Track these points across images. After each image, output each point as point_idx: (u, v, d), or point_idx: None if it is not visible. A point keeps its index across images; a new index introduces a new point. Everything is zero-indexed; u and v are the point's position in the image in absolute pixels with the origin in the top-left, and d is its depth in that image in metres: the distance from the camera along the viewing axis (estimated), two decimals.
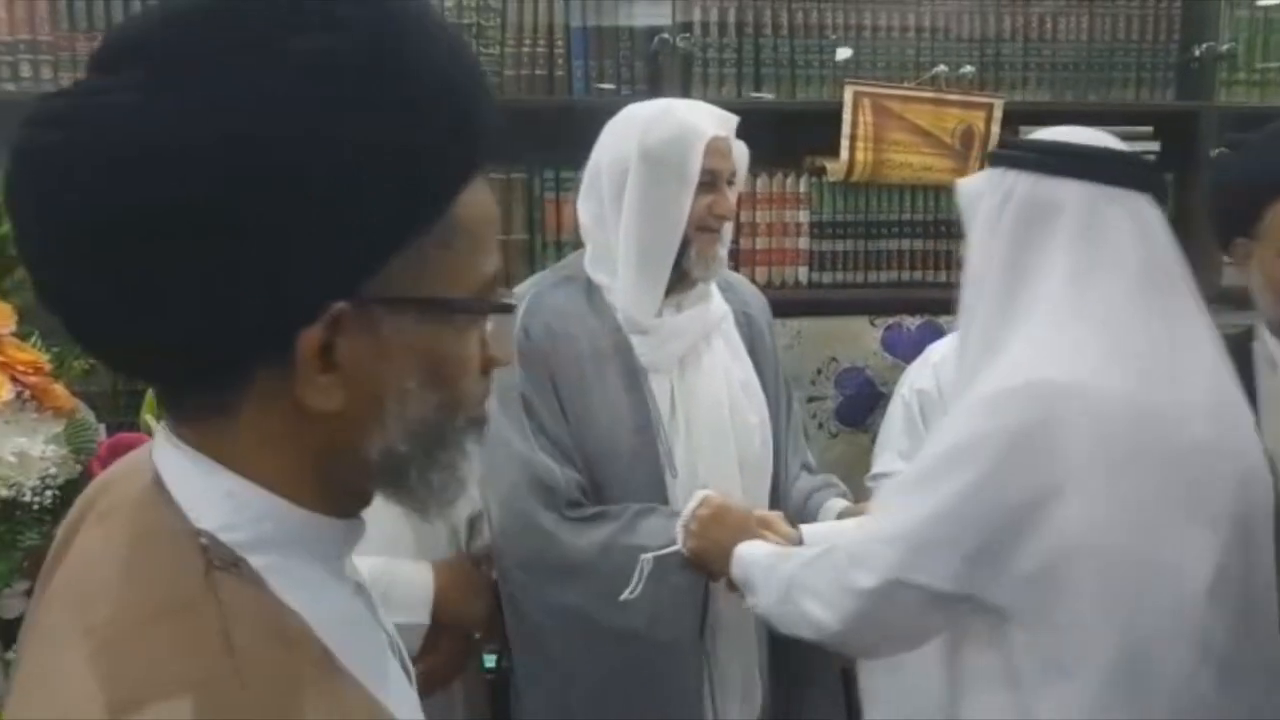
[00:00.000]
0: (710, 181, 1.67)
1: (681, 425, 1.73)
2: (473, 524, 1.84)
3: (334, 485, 0.68)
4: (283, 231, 0.57)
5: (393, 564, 1.63)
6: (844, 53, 2.42)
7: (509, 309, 0.71)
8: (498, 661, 1.94)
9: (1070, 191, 1.25)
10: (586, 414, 1.70)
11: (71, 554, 0.68)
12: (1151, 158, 2.48)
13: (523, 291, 1.79)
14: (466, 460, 0.70)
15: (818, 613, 1.31)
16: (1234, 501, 1.19)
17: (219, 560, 0.62)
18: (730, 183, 1.71)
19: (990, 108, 2.45)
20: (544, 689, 1.74)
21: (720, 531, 1.59)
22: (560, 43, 2.31)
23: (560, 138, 2.13)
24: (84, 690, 0.56)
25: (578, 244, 1.81)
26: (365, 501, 0.72)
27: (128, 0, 2.25)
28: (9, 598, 1.61)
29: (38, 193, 0.60)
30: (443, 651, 1.70)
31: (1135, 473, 1.15)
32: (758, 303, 1.90)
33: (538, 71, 2.31)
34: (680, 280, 1.72)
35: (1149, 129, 2.52)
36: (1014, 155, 1.32)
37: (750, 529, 1.59)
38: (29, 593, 1.67)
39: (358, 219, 0.59)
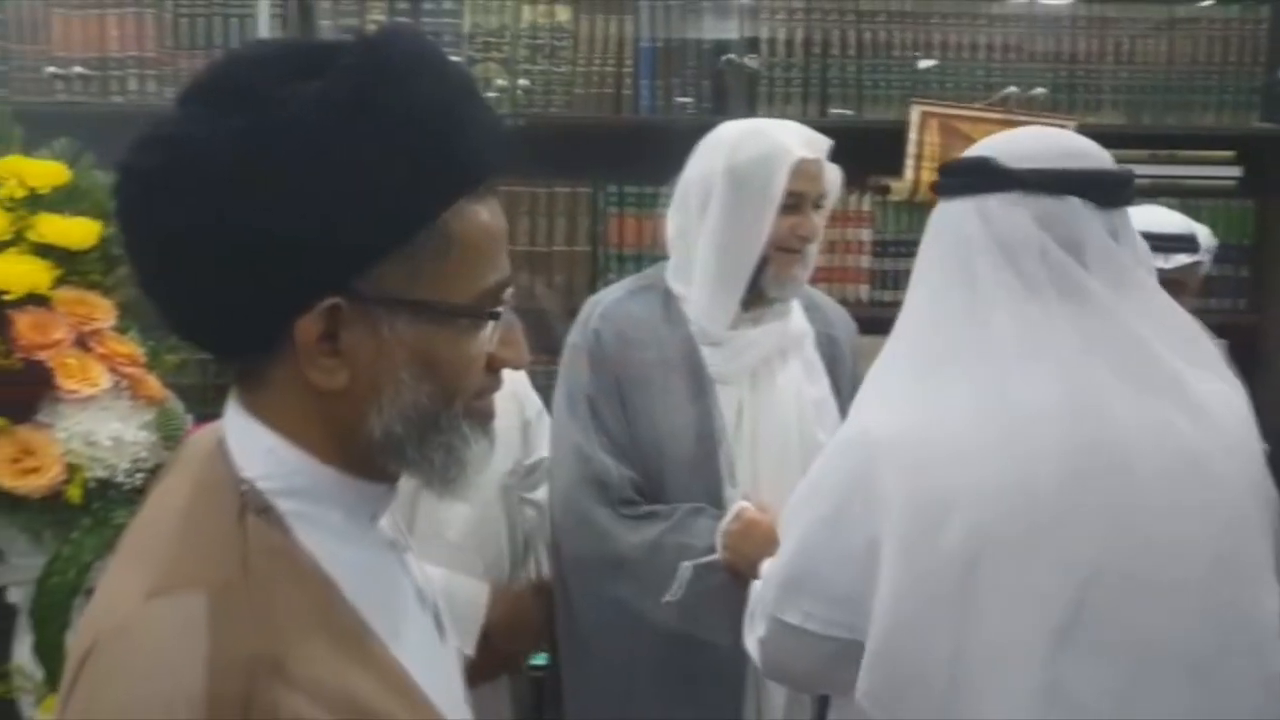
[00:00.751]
0: (795, 204, 1.71)
1: (747, 437, 1.77)
2: (527, 542, 1.92)
3: (353, 453, 0.79)
4: (281, 233, 0.70)
5: (452, 580, 1.70)
6: (926, 62, 2.43)
7: (495, 317, 0.79)
8: (547, 659, 2.00)
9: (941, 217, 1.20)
10: (650, 420, 1.75)
11: (147, 499, 0.82)
12: (1232, 183, 2.46)
13: (601, 298, 1.87)
14: (467, 445, 0.80)
15: (751, 650, 1.28)
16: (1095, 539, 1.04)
17: (253, 505, 0.76)
18: (819, 205, 1.75)
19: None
20: (590, 686, 1.80)
21: (748, 546, 1.61)
22: (629, 62, 2.40)
23: (625, 154, 2.22)
24: (129, 585, 0.72)
25: (640, 257, 1.89)
26: (387, 471, 0.81)
27: (227, 20, 2.40)
28: (99, 571, 1.74)
29: (133, 201, 0.77)
30: (492, 651, 1.78)
31: (946, 523, 1.05)
32: (843, 324, 1.93)
33: (606, 90, 2.40)
34: (758, 297, 1.77)
35: (1230, 154, 2.50)
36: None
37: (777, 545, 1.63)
38: None
39: (341, 228, 0.71)
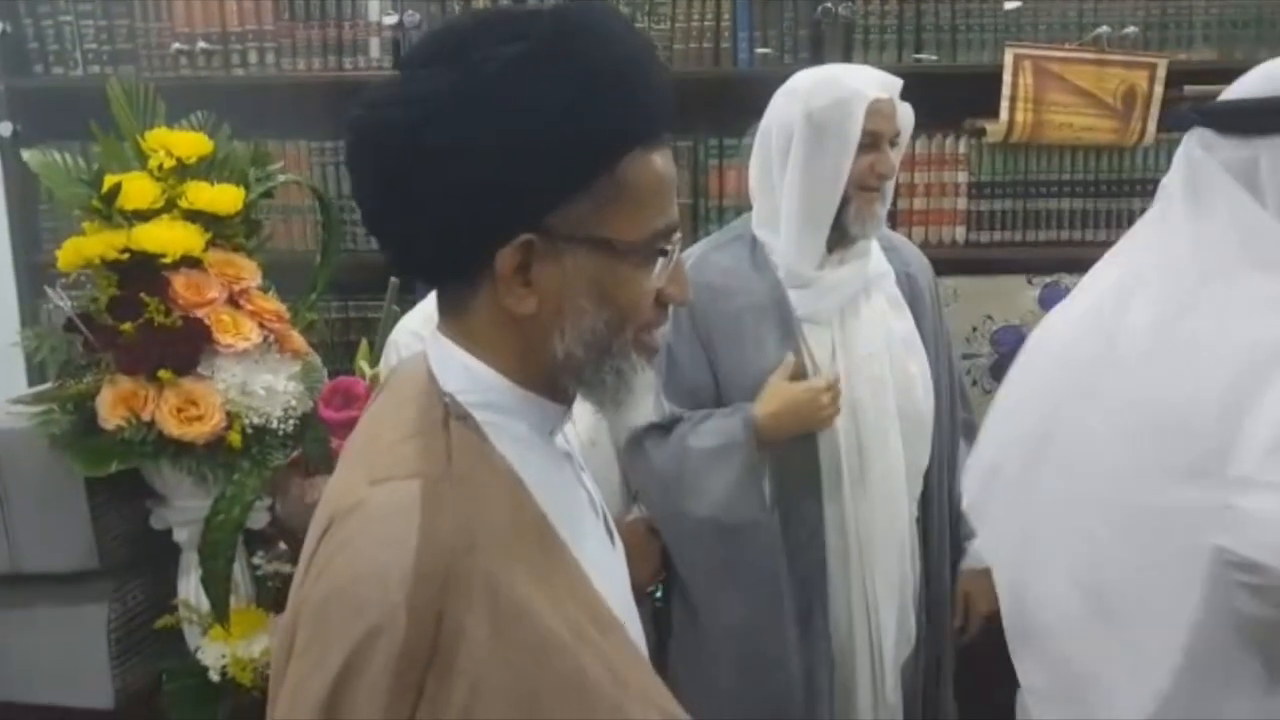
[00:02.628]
0: (872, 143, 1.77)
1: (842, 373, 1.83)
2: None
3: (538, 373, 0.90)
4: (485, 177, 0.81)
5: None
6: (1012, 4, 2.45)
7: (664, 254, 0.88)
8: (662, 593, 2.11)
9: None
10: (740, 366, 1.83)
11: (367, 411, 0.96)
12: None
13: (689, 253, 1.94)
14: (635, 373, 0.91)
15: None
16: None
17: (455, 412, 0.88)
18: (894, 144, 1.80)
19: (1154, 67, 2.45)
20: (687, 616, 1.92)
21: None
22: (726, 17, 2.45)
23: (725, 107, 2.27)
24: (356, 476, 0.85)
25: (739, 208, 1.96)
26: (567, 392, 0.93)
27: None
28: (257, 510, 1.88)
29: (359, 151, 0.87)
30: None
31: None
32: (919, 264, 1.99)
33: (705, 44, 2.46)
34: (841, 237, 1.83)
35: None
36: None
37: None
38: (271, 509, 1.95)
39: (535, 172, 0.82)
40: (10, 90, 2.55)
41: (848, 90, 1.77)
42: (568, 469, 0.98)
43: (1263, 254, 1.15)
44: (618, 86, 0.83)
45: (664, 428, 1.84)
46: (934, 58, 2.48)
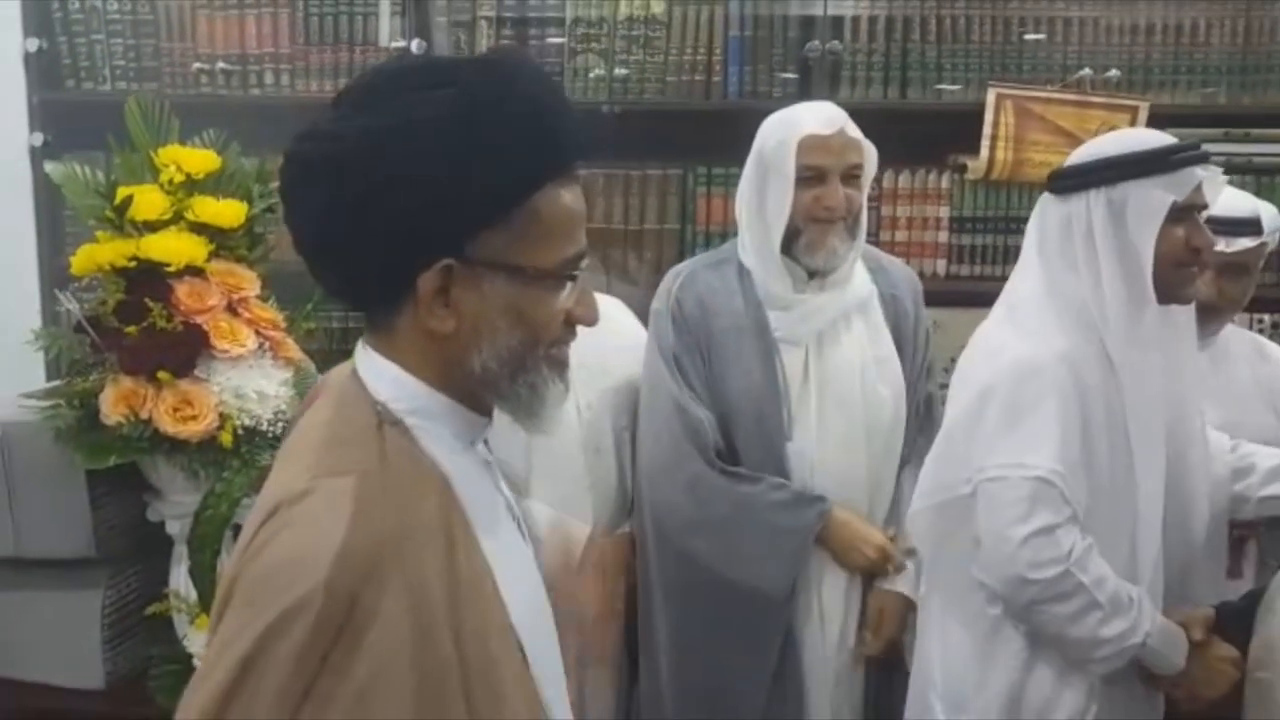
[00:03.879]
0: (815, 176, 1.85)
1: (813, 393, 1.92)
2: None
3: (459, 385, 0.99)
4: (409, 207, 0.89)
5: (555, 517, 1.85)
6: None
7: (573, 279, 0.98)
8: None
9: None
10: (722, 382, 1.93)
11: (298, 421, 1.05)
12: None
13: (680, 270, 2.04)
14: (547, 385, 0.99)
15: None
16: None
17: (387, 419, 0.97)
18: (852, 177, 1.88)
19: (1136, 110, 2.52)
20: (655, 637, 1.99)
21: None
22: (719, 50, 2.55)
23: (714, 138, 2.37)
24: (296, 471, 0.93)
25: (725, 236, 2.07)
26: (485, 404, 1.02)
27: (353, 18, 2.62)
28: (245, 507, 1.98)
29: (294, 181, 0.97)
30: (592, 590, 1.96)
31: None
32: (907, 286, 2.05)
33: (696, 77, 2.56)
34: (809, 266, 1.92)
35: None
36: None
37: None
38: None
39: (454, 204, 0.90)
40: (43, 103, 2.69)
41: (787, 126, 1.88)
42: (487, 474, 1.07)
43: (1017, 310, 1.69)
44: (531, 129, 0.92)
45: (704, 436, 1.92)
46: (917, 97, 2.55)
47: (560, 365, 1.01)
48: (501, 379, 0.97)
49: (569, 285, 0.98)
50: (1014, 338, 1.65)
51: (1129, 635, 1.56)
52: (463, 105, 0.90)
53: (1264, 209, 1.99)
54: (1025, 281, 1.68)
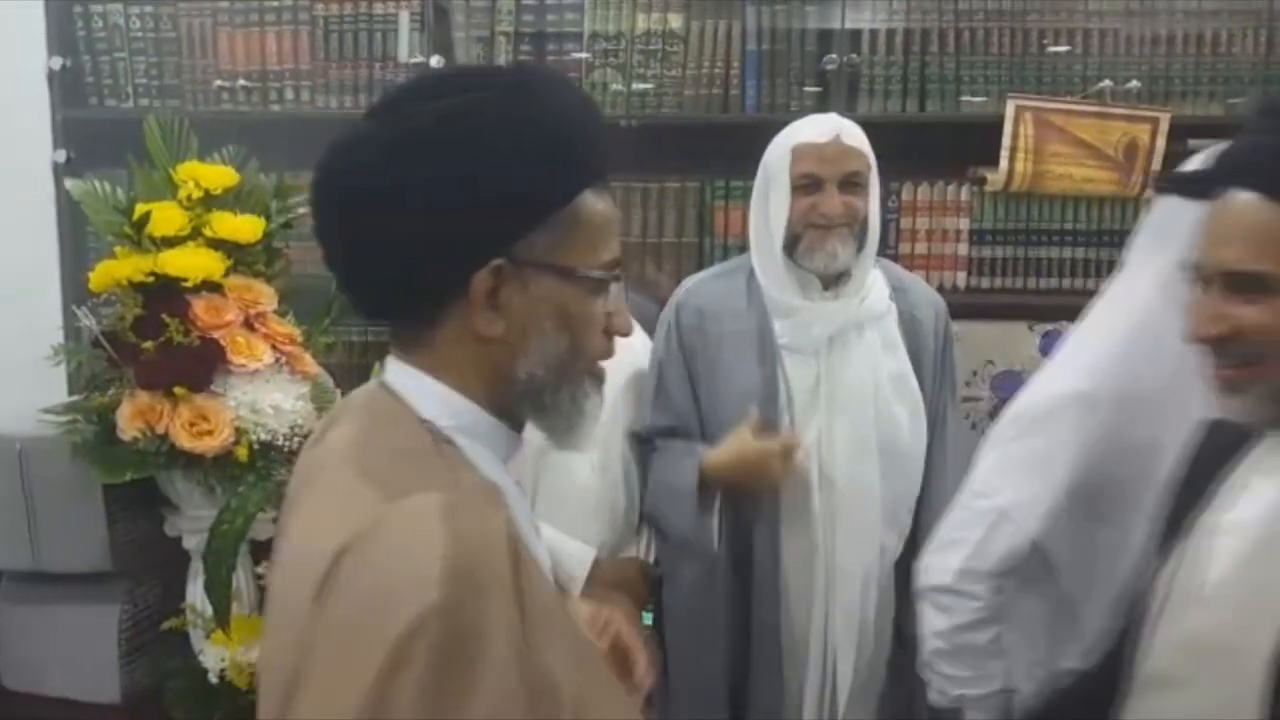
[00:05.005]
0: (810, 184, 1.86)
1: (823, 405, 1.90)
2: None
3: (501, 397, 0.97)
4: (462, 205, 0.89)
5: (562, 541, 1.84)
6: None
7: (617, 279, 0.98)
8: (653, 619, 2.14)
9: None
10: (717, 388, 1.93)
11: (326, 440, 0.99)
12: None
13: (689, 279, 2.06)
14: (587, 398, 0.98)
15: None
16: None
17: (440, 437, 0.94)
18: (853, 185, 1.86)
19: (1156, 121, 2.49)
20: (678, 640, 1.99)
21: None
22: (736, 64, 2.55)
23: (731, 150, 2.36)
24: (362, 494, 0.87)
25: (743, 247, 2.06)
26: (522, 418, 1.00)
27: (372, 34, 2.63)
28: (261, 522, 1.99)
29: (328, 189, 0.94)
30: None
31: None
32: (928, 308, 2.01)
33: (714, 91, 2.55)
34: (835, 275, 1.90)
35: None
36: None
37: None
38: (275, 520, 2.06)
39: (506, 201, 0.90)
40: (66, 120, 2.71)
41: (785, 137, 1.91)
42: (522, 494, 1.05)
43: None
44: (574, 130, 0.94)
45: (647, 441, 1.95)
46: (936, 110, 2.54)
47: (598, 379, 1.00)
48: (546, 387, 0.96)
49: (610, 290, 0.98)
50: None
51: None
52: (511, 105, 0.91)
53: None
54: None
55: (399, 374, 0.97)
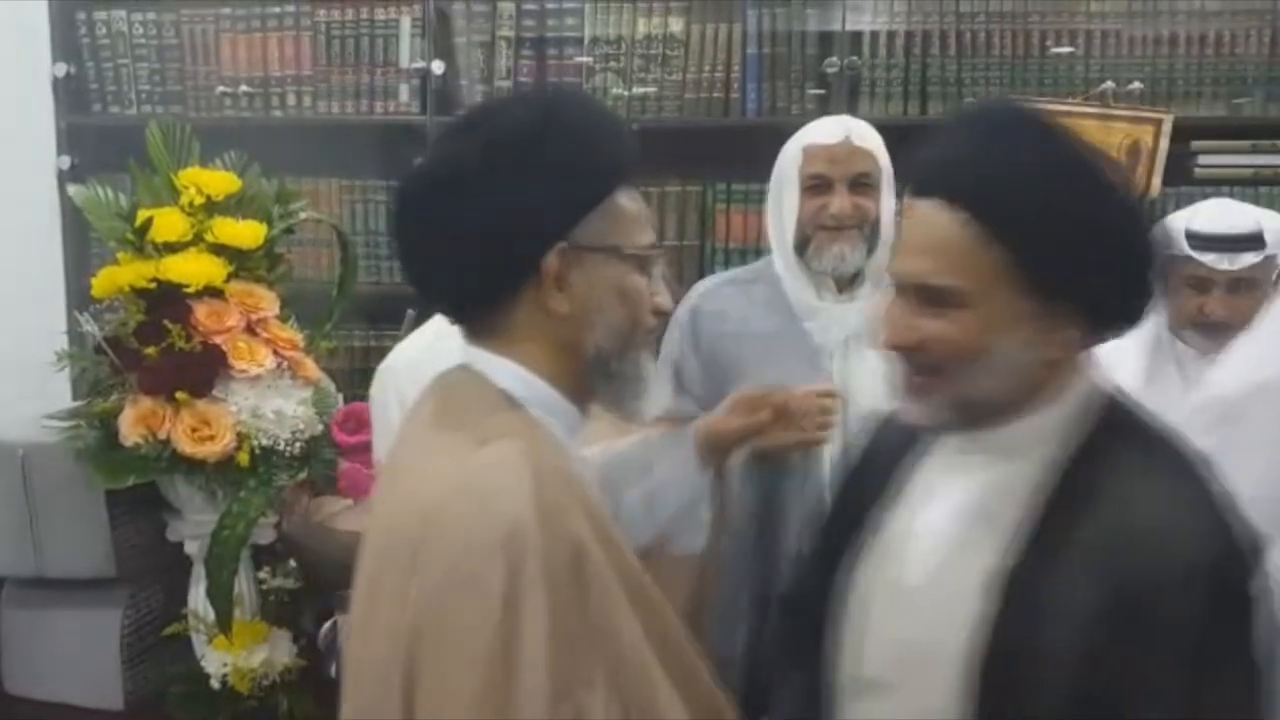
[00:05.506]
0: (819, 185, 1.86)
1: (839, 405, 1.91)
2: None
3: (572, 373, 1.08)
4: (536, 195, 1.02)
5: None
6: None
7: (658, 256, 1.11)
8: None
9: None
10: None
11: (419, 412, 1.11)
12: None
13: (705, 280, 2.07)
14: (645, 369, 1.10)
15: None
16: None
17: (515, 402, 1.05)
18: (864, 185, 1.86)
19: (1160, 122, 2.48)
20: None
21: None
22: (736, 68, 2.55)
23: (732, 154, 2.36)
24: (448, 455, 0.99)
25: (744, 251, 2.06)
26: (592, 391, 1.10)
27: (373, 40, 2.64)
28: (262, 527, 1.99)
29: (420, 195, 1.08)
30: None
31: None
32: None
33: (715, 95, 2.56)
34: (854, 277, 1.90)
35: None
36: None
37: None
38: (278, 526, 2.06)
39: (568, 192, 1.04)
40: (70, 127, 2.72)
41: (796, 138, 1.90)
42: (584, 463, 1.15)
43: None
44: (614, 132, 1.09)
45: None
46: (937, 114, 2.54)
47: (653, 350, 1.12)
48: (614, 356, 1.07)
49: (654, 270, 1.10)
50: None
51: None
52: (563, 113, 1.06)
53: (1268, 222, 1.95)
54: None
55: (475, 356, 1.09)
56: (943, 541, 1.08)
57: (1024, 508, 1.02)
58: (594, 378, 1.08)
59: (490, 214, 1.02)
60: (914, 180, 1.06)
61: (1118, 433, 1.04)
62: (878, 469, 1.20)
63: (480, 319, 1.08)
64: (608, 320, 1.06)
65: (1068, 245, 0.98)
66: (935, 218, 1.01)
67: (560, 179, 1.02)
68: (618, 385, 1.09)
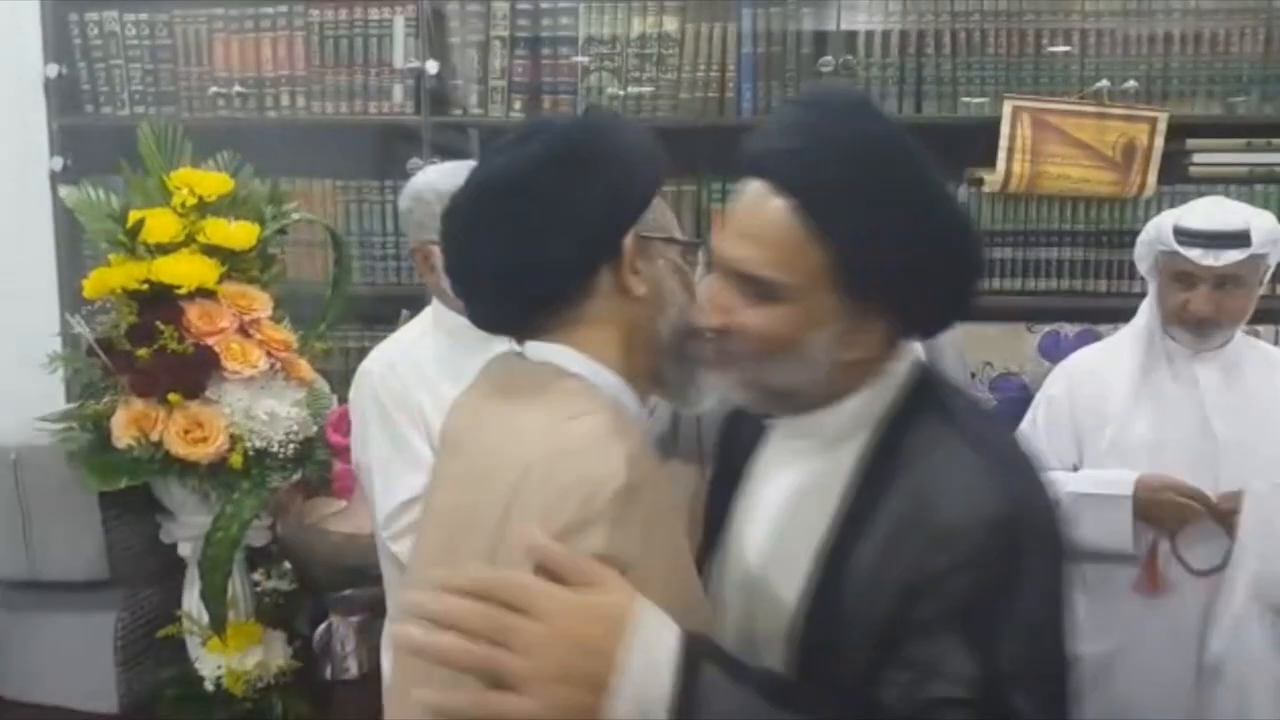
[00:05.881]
0: None
1: None
2: None
3: (643, 362, 1.08)
4: (616, 189, 1.06)
5: None
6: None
7: (698, 244, 1.16)
8: None
9: None
10: None
11: (479, 389, 1.13)
12: None
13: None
14: (706, 353, 1.09)
15: None
16: None
17: (593, 386, 1.07)
18: None
19: (1154, 121, 2.48)
20: None
21: None
22: (731, 68, 2.54)
23: (727, 154, 2.35)
24: (539, 427, 1.00)
25: None
26: (659, 377, 1.11)
27: (367, 40, 2.63)
28: (256, 529, 1.98)
29: (485, 204, 1.07)
30: None
31: None
32: None
33: (710, 94, 2.55)
34: None
35: None
36: None
37: None
38: (271, 528, 2.05)
39: (637, 189, 1.07)
40: (62, 128, 2.71)
41: None
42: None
43: None
44: (652, 143, 1.12)
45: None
46: (933, 112, 2.54)
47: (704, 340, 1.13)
48: (686, 339, 1.09)
49: (698, 257, 1.14)
50: None
51: None
52: (613, 117, 1.21)
53: (1258, 222, 1.96)
54: None
55: (536, 349, 1.08)
56: (774, 528, 1.10)
57: (845, 487, 1.04)
58: (666, 360, 1.10)
59: (577, 203, 1.04)
60: (746, 156, 1.06)
61: (922, 404, 1.06)
62: (729, 463, 1.22)
63: (547, 314, 1.07)
64: (676, 302, 1.09)
65: (889, 252, 0.99)
66: (766, 203, 1.02)
67: (635, 165, 1.07)
68: (684, 371, 1.11)
